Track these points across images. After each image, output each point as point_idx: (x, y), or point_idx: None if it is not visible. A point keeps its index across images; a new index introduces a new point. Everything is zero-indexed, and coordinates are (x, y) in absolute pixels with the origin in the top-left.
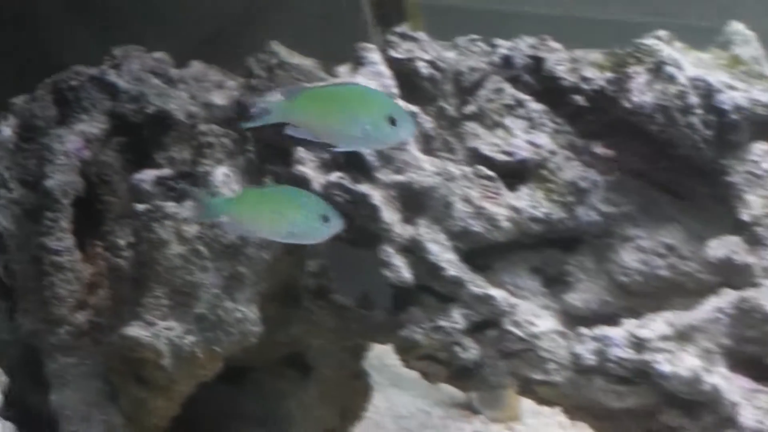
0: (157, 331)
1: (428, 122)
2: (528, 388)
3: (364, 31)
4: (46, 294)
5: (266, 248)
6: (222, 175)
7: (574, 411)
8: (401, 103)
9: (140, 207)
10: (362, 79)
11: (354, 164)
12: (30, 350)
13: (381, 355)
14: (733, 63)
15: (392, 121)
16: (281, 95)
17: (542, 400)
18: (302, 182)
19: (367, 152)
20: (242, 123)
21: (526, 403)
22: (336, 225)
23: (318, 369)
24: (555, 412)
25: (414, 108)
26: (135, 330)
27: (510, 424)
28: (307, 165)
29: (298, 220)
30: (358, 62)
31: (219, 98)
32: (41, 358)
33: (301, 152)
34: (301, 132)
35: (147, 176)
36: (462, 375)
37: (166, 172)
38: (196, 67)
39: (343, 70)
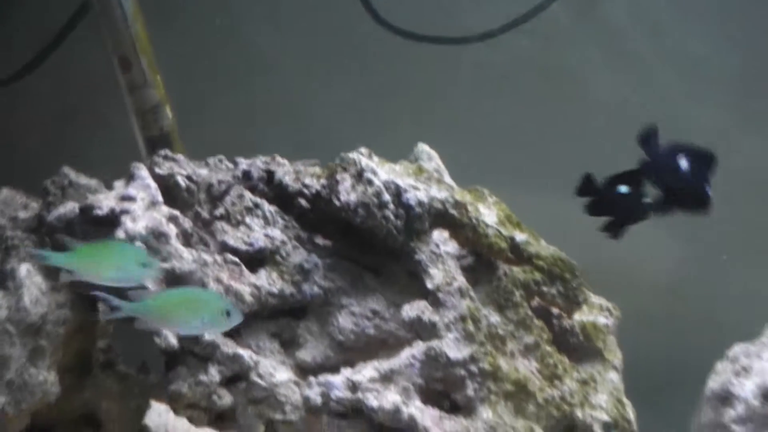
0: None
1: (187, 223)
2: (272, 427)
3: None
4: None
5: (62, 325)
6: (25, 270)
7: None
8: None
9: None
10: (133, 190)
11: None
12: None
13: (165, 423)
14: (418, 171)
15: (228, 314)
16: (131, 297)
17: None
18: None
19: (139, 244)
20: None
21: None
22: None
23: (107, 425)
24: None
25: (176, 212)
26: None
27: None
28: None
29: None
30: (130, 177)
31: (23, 214)
32: None
33: None
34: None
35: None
36: (219, 419)
37: None
38: (5, 193)
39: (119, 184)
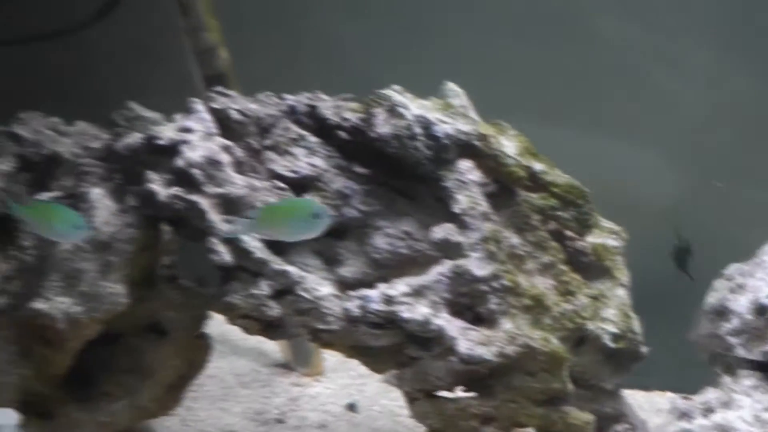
0: (53, 304)
1: (239, 152)
2: (316, 336)
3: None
4: None
5: (129, 243)
6: (97, 194)
7: (349, 351)
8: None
9: None
10: (191, 123)
11: (187, 181)
12: None
13: (224, 332)
14: (445, 107)
15: (315, 215)
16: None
17: (326, 344)
18: (152, 196)
19: (196, 171)
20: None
21: (328, 363)
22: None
23: (171, 332)
24: (348, 368)
25: (229, 143)
26: (38, 304)
27: (317, 377)
28: (155, 183)
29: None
30: (189, 111)
31: (95, 144)
32: None
33: (150, 175)
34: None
35: (44, 197)
36: (269, 328)
37: (57, 193)
38: (80, 125)
39: (178, 116)
